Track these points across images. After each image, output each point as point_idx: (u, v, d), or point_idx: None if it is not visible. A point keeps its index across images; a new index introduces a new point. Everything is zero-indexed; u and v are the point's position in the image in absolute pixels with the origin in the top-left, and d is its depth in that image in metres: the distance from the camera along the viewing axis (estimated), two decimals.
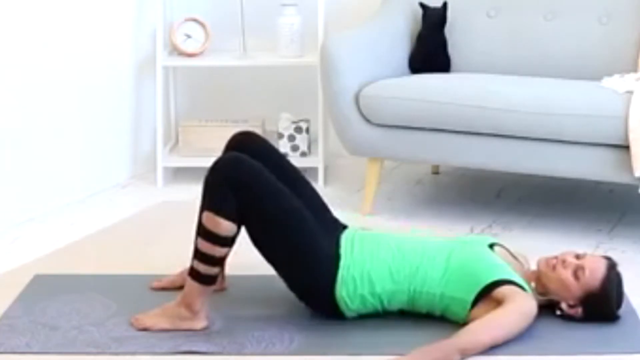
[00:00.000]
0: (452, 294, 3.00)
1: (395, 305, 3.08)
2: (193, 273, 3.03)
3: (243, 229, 3.02)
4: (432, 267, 3.02)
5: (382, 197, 4.34)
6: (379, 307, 3.08)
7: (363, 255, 3.06)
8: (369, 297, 3.05)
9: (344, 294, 3.04)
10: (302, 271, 3.04)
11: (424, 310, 3.08)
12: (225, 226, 2.95)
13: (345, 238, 3.12)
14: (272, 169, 3.06)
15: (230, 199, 2.95)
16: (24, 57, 4.10)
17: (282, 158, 3.24)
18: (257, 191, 2.97)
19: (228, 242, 2.99)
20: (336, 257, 3.05)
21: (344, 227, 3.21)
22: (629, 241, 3.85)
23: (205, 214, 2.98)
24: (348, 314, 3.08)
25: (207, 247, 2.99)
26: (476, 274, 2.99)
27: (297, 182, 3.18)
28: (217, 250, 2.99)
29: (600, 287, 3.02)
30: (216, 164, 3.01)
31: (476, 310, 2.96)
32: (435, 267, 3.02)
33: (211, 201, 2.98)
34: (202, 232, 2.99)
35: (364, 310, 3.08)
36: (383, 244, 3.10)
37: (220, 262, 3.03)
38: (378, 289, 3.04)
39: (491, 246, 3.15)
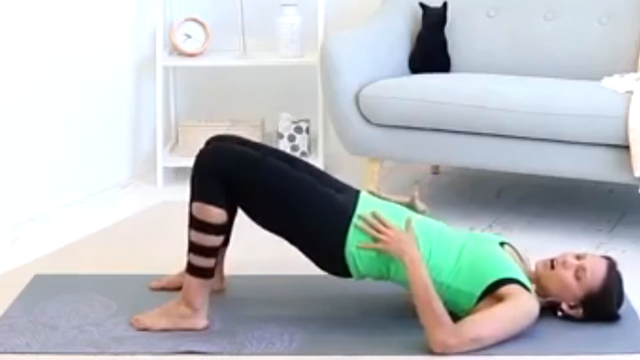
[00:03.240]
0: (459, 287, 3.00)
1: (399, 277, 3.04)
2: (190, 267, 3.06)
3: (235, 222, 3.02)
4: (444, 257, 3.01)
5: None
6: (385, 272, 3.06)
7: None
8: (377, 259, 3.02)
9: (353, 249, 3.02)
10: (311, 227, 3.03)
11: None
12: (215, 213, 2.99)
13: (365, 196, 3.12)
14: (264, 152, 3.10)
15: (216, 185, 3.00)
16: (24, 57, 4.10)
17: (268, 146, 3.24)
18: (242, 168, 3.02)
19: (220, 229, 3.02)
20: (351, 210, 3.04)
21: (357, 191, 3.17)
22: (629, 241, 3.85)
23: (194, 204, 3.03)
24: (354, 272, 3.06)
25: (200, 238, 3.02)
26: (486, 270, 3.00)
27: (295, 161, 3.17)
28: (210, 239, 3.02)
29: (601, 287, 3.03)
30: (197, 157, 3.08)
31: (480, 305, 2.97)
32: (447, 258, 3.01)
33: (198, 191, 3.04)
34: (194, 223, 3.04)
35: (369, 272, 3.06)
36: (401, 214, 3.09)
37: (214, 252, 3.05)
38: (388, 254, 3.03)
39: (501, 245, 3.15)
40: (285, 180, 3.03)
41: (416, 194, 3.27)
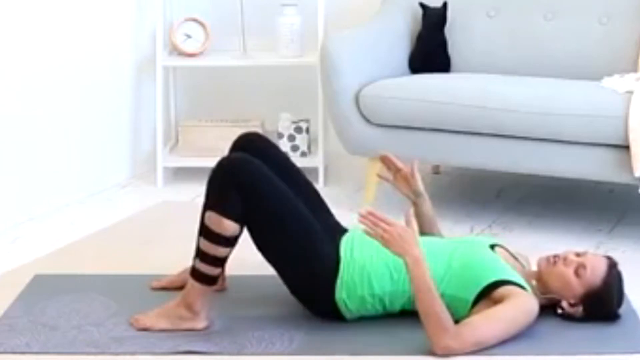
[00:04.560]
0: (453, 293, 3.00)
1: (396, 306, 3.07)
2: (194, 273, 3.03)
3: (244, 231, 3.02)
4: (433, 266, 3.02)
5: (382, 197, 4.33)
6: (380, 309, 3.07)
7: (363, 256, 3.06)
8: (369, 298, 3.04)
9: (344, 295, 3.03)
10: (304, 273, 3.04)
11: None
12: (228, 226, 2.95)
13: (345, 240, 3.12)
14: (276, 171, 3.06)
15: (235, 199, 2.94)
16: (24, 57, 4.10)
17: (286, 160, 3.25)
18: (262, 193, 2.97)
19: (230, 242, 2.99)
20: (337, 260, 3.04)
21: (345, 230, 3.21)
22: (629, 241, 3.85)
23: (209, 213, 2.97)
24: (348, 316, 3.08)
25: (210, 247, 2.99)
26: (477, 274, 2.99)
27: (300, 185, 3.18)
28: (220, 251, 2.99)
29: (601, 284, 3.03)
30: (221, 163, 3.00)
31: (476, 309, 2.96)
32: (437, 267, 3.02)
33: (215, 201, 2.97)
34: (205, 232, 2.99)
35: (364, 312, 3.08)
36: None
37: (222, 262, 3.03)
38: (377, 290, 3.04)
39: (492, 247, 3.15)
40: (295, 223, 3.00)
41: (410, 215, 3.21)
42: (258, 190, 2.96)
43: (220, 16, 4.88)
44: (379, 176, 3.39)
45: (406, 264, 2.87)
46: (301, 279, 3.06)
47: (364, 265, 3.04)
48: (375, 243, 3.07)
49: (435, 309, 2.83)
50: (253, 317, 3.15)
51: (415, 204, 3.35)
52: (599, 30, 4.20)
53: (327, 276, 3.03)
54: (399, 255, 2.89)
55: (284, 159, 3.24)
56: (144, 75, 4.76)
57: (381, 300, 3.05)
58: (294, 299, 3.11)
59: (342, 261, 3.04)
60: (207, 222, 2.98)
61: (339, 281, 3.02)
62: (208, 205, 2.99)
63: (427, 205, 3.36)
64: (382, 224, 2.89)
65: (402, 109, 3.96)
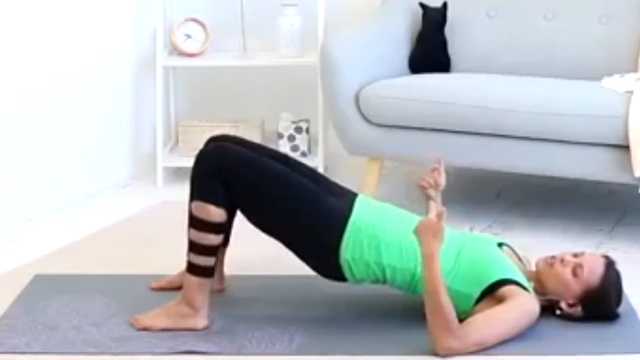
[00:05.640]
0: (458, 288, 2.99)
1: (397, 282, 3.05)
2: (190, 267, 3.06)
3: (235, 222, 3.02)
4: (442, 257, 3.01)
5: (382, 197, 4.33)
6: (381, 278, 3.06)
7: (376, 222, 3.04)
8: (374, 266, 3.02)
9: (348, 257, 3.02)
10: (306, 232, 3.03)
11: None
12: (214, 212, 3.00)
13: (360, 200, 3.11)
14: (261, 154, 3.11)
15: (216, 184, 3.00)
16: (24, 58, 4.10)
17: (266, 147, 3.25)
18: (242, 169, 3.02)
19: (220, 228, 3.03)
20: (346, 216, 3.03)
21: (356, 195, 3.18)
22: (629, 241, 3.85)
23: (194, 203, 3.03)
24: (350, 278, 3.06)
25: (200, 237, 3.02)
26: (484, 271, 3.00)
27: (291, 163, 3.18)
28: (210, 238, 3.02)
29: (599, 284, 3.03)
30: (198, 156, 3.08)
31: (479, 307, 2.97)
32: (444, 261, 3.00)
33: (198, 190, 3.04)
34: (194, 222, 3.04)
35: (365, 277, 3.06)
36: (399, 218, 3.08)
37: (214, 251, 3.05)
38: (384, 261, 3.01)
39: (499, 245, 3.15)
40: (282, 182, 3.03)
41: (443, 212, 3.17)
42: (236, 167, 3.02)
43: (220, 16, 4.88)
44: (422, 186, 3.34)
45: (422, 256, 2.86)
46: (304, 236, 3.04)
47: (376, 232, 3.02)
48: (393, 213, 3.06)
49: (443, 310, 2.83)
50: (253, 317, 3.15)
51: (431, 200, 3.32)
52: (599, 30, 4.20)
53: (333, 231, 3.01)
54: (419, 241, 2.87)
55: (263, 146, 3.25)
56: (144, 75, 4.76)
57: (384, 271, 3.03)
58: (294, 299, 3.11)
59: (353, 218, 3.02)
60: (194, 211, 3.03)
61: (345, 239, 3.00)
62: (193, 197, 3.06)
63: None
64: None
65: (402, 109, 3.96)
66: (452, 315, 2.84)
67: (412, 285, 3.04)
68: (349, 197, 3.12)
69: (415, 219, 3.08)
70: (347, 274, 3.05)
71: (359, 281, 3.08)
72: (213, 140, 3.25)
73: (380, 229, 3.03)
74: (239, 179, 3.02)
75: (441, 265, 2.95)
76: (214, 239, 3.04)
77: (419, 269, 2.98)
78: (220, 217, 3.02)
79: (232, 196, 3.02)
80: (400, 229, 3.03)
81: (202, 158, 3.08)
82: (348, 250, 3.02)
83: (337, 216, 3.03)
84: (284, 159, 3.19)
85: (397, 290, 3.09)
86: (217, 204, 3.01)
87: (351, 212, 3.05)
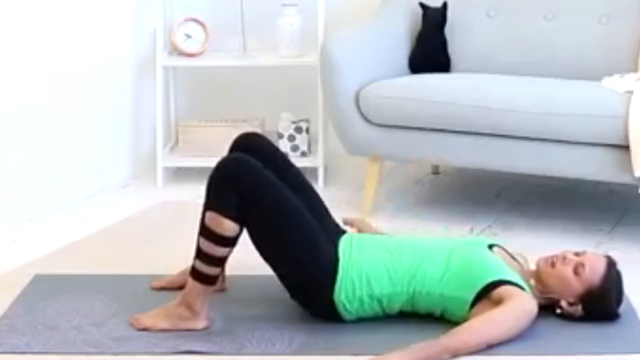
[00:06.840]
0: (451, 294, 3.00)
1: (395, 307, 3.07)
2: (194, 273, 3.03)
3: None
4: (431, 267, 3.02)
5: (382, 197, 4.34)
6: (379, 310, 3.08)
7: (361, 257, 3.06)
8: (367, 300, 3.04)
9: (342, 297, 3.03)
10: (302, 273, 3.04)
11: (423, 311, 3.07)
12: (227, 226, 2.96)
13: (343, 241, 3.12)
14: (275, 171, 3.07)
15: (233, 199, 2.95)
16: (23, 58, 4.10)
17: (285, 160, 3.25)
18: (260, 192, 2.97)
19: (230, 242, 2.99)
20: (335, 261, 3.04)
21: (343, 232, 3.22)
22: (629, 241, 3.85)
23: (208, 214, 2.98)
24: (347, 317, 3.08)
25: (209, 247, 2.99)
26: (476, 274, 3.00)
27: (299, 185, 3.18)
28: (219, 250, 2.99)
29: (600, 283, 3.02)
30: (220, 164, 3.01)
31: (475, 310, 2.96)
32: (435, 267, 3.02)
33: (214, 201, 2.98)
34: (205, 232, 3.00)
35: (362, 314, 3.08)
36: (380, 245, 3.10)
37: (221, 262, 3.04)
38: (376, 291, 3.04)
39: (490, 247, 3.15)
40: (289, 216, 3.00)
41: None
42: (255, 190, 2.97)
43: (220, 16, 4.88)
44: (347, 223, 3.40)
45: None
46: (299, 280, 3.06)
47: (362, 266, 3.04)
48: (373, 244, 3.07)
49: (459, 351, 2.84)
50: (253, 317, 3.15)
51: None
52: (599, 30, 4.20)
53: (326, 277, 3.02)
54: None
55: (283, 159, 3.24)
56: (144, 75, 4.76)
57: (380, 302, 3.05)
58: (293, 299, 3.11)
59: (341, 262, 3.04)
60: (207, 222, 2.98)
61: (337, 282, 3.02)
62: (208, 206, 3.00)
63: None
64: None
65: (402, 109, 3.96)
66: (455, 347, 2.84)
67: (409, 304, 3.06)
68: (335, 237, 3.13)
69: (396, 238, 3.14)
70: (342, 312, 3.06)
71: (356, 318, 3.07)
72: (243, 137, 3.23)
73: (367, 263, 3.04)
74: (256, 200, 2.95)
75: (431, 272, 2.98)
76: (223, 252, 3.00)
77: (411, 288, 3.02)
78: (233, 231, 2.97)
79: (244, 213, 2.97)
80: (383, 255, 3.05)
81: (224, 167, 2.99)
82: (342, 291, 3.03)
83: (329, 262, 3.03)
84: (297, 176, 3.20)
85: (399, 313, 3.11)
86: (231, 217, 2.95)
87: (337, 252, 3.06)
